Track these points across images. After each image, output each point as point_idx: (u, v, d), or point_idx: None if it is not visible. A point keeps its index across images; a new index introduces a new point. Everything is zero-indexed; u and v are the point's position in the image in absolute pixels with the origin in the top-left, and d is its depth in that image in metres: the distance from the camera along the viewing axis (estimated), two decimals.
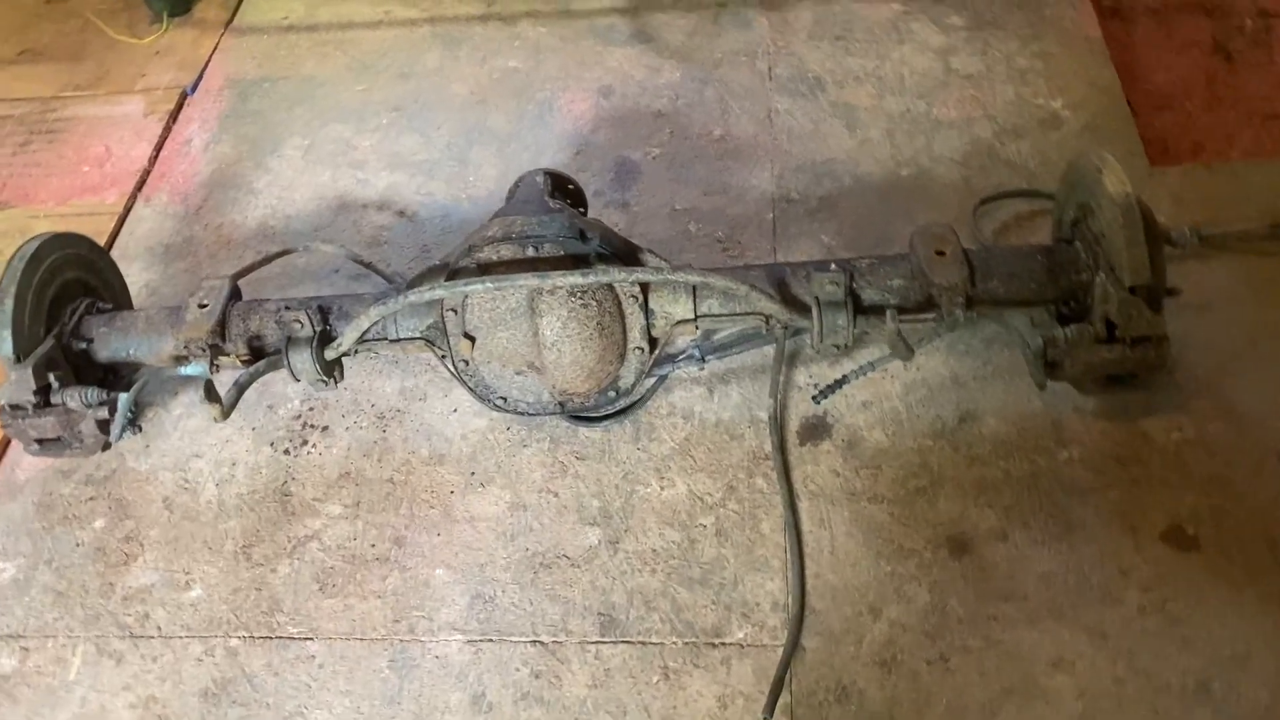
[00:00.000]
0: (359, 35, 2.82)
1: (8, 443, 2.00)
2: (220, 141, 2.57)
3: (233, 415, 1.97)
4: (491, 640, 1.66)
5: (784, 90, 2.48)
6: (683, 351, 1.93)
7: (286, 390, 2.01)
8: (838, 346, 1.75)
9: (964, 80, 2.43)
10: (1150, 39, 2.70)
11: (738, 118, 2.43)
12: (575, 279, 1.64)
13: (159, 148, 2.57)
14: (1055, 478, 1.75)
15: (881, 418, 1.86)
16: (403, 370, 2.03)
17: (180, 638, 1.71)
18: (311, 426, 1.96)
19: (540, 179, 1.97)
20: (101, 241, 2.32)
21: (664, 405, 1.92)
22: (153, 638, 1.71)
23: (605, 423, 1.90)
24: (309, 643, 1.68)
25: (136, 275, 2.26)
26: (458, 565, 1.75)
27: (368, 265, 2.07)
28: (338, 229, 2.32)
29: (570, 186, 2.06)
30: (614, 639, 1.64)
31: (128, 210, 2.43)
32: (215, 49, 2.83)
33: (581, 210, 2.04)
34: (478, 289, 1.66)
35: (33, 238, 1.83)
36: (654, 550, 1.73)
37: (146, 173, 2.51)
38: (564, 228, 1.72)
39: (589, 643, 1.64)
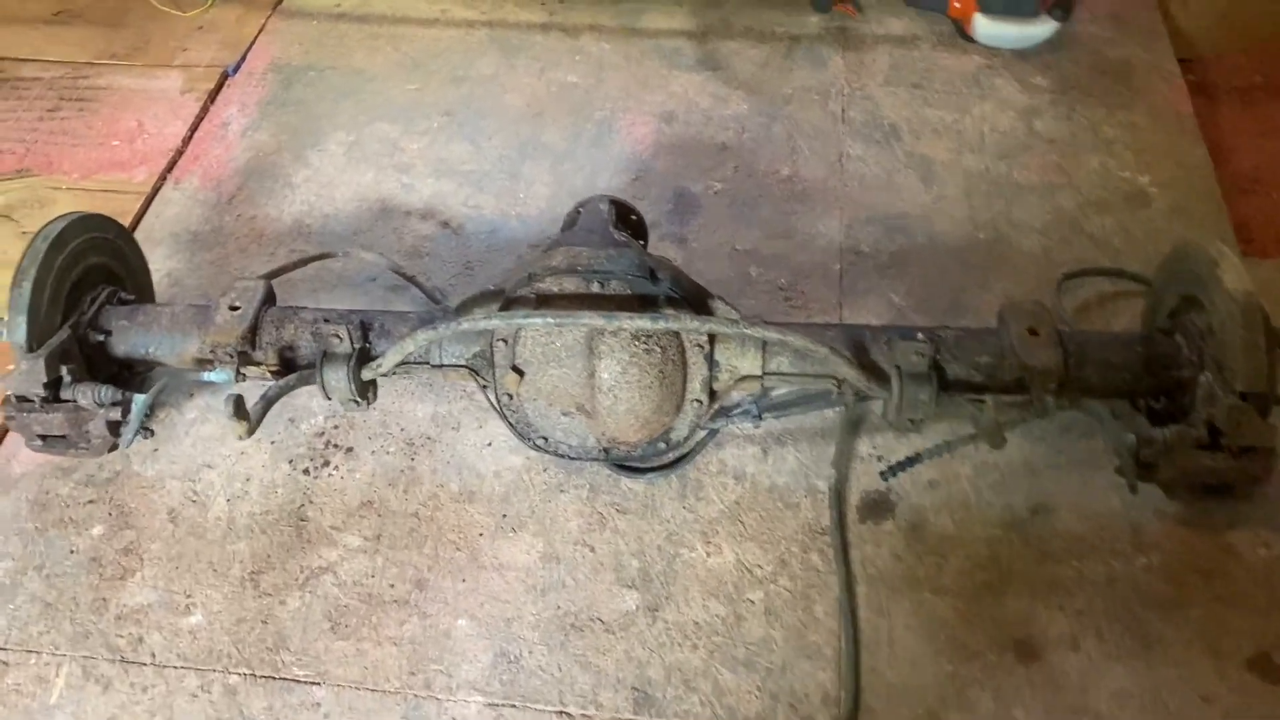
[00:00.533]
0: (413, 31, 2.70)
1: (4, 432, 1.86)
2: (259, 128, 2.44)
3: None
4: (514, 706, 1.52)
5: (857, 135, 2.36)
6: (737, 406, 1.80)
7: (310, 404, 1.87)
8: (913, 421, 1.63)
9: (1047, 144, 2.32)
10: (1235, 120, 2.60)
11: (807, 159, 2.31)
12: (644, 323, 1.52)
13: (194, 128, 2.43)
14: (1132, 585, 1.62)
15: (949, 501, 1.73)
16: (436, 394, 1.89)
17: (175, 668, 1.57)
18: (335, 446, 1.83)
19: (605, 207, 1.85)
20: (125, 222, 2.19)
21: (714, 462, 1.79)
22: (145, 665, 1.57)
23: (650, 475, 1.77)
24: (315, 688, 1.54)
25: (159, 262, 2.12)
26: (482, 617, 1.61)
27: (411, 280, 1.94)
28: (378, 235, 2.19)
29: (633, 217, 1.94)
30: (648, 718, 1.50)
31: (155, 191, 2.29)
32: (261, 30, 2.70)
33: (642, 243, 1.92)
34: (536, 323, 1.53)
35: (59, 217, 1.69)
36: (696, 623, 1.60)
37: (179, 153, 2.37)
38: (633, 265, 1.60)
39: (621, 719, 1.51)
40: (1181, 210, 2.16)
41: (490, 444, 1.83)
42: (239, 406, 1.50)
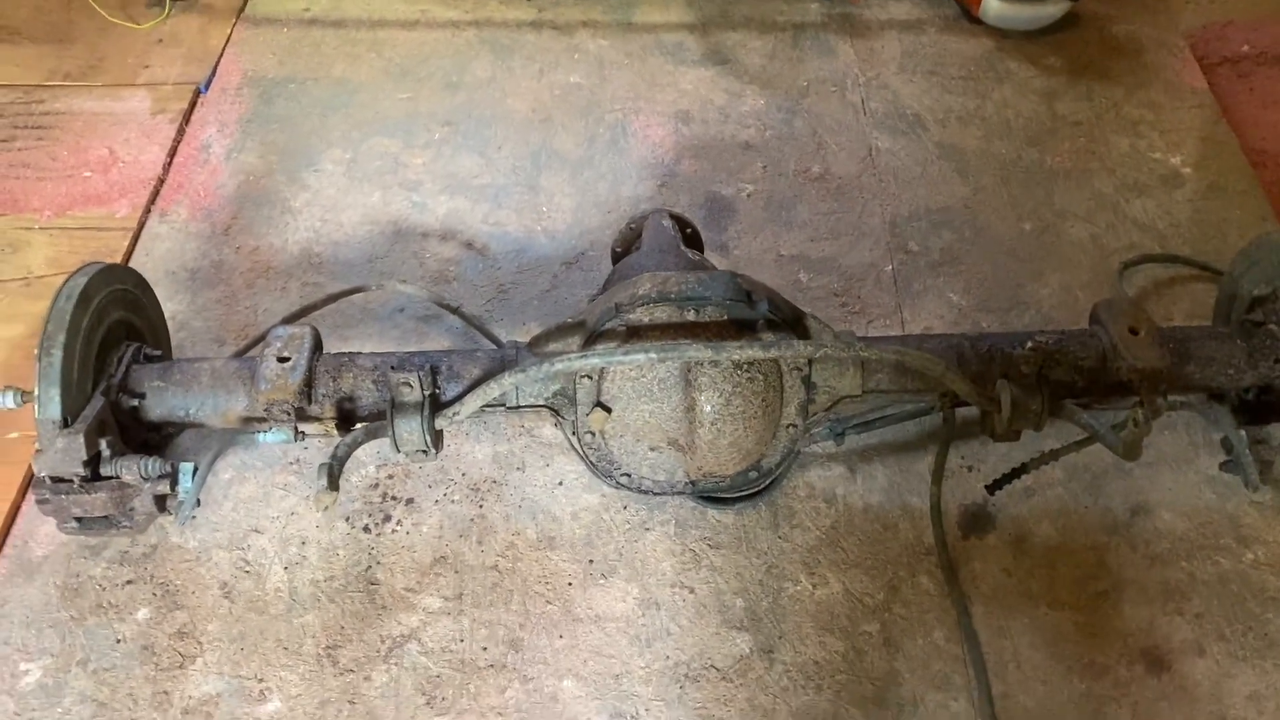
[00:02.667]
0: (394, 35, 2.53)
1: (15, 510, 1.67)
2: (244, 149, 2.25)
3: (294, 481, 1.70)
4: None
5: (882, 127, 2.29)
6: (816, 424, 1.72)
7: (358, 453, 1.71)
8: (1018, 433, 1.57)
9: (1073, 127, 2.28)
10: (1233, 92, 2.60)
11: (836, 155, 2.23)
12: (754, 351, 1.41)
13: (173, 153, 2.23)
14: (1244, 582, 1.60)
15: (1047, 508, 1.68)
16: (494, 434, 1.76)
17: None
18: (393, 499, 1.69)
19: (668, 223, 1.74)
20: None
21: (801, 486, 1.71)
22: None
23: (739, 505, 1.67)
24: None
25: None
26: (588, 676, 1.50)
27: (461, 314, 1.79)
28: (397, 261, 2.04)
29: (689, 230, 1.83)
30: None
31: (141, 226, 2.09)
32: (228, 40, 2.50)
33: (700, 254, 1.82)
34: (639, 359, 1.42)
35: (79, 271, 1.51)
36: (816, 662, 1.52)
37: (160, 182, 2.17)
38: (727, 288, 1.49)
39: None
40: (1218, 189, 2.15)
41: (561, 483, 1.71)
42: (334, 476, 1.35)
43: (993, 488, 1.63)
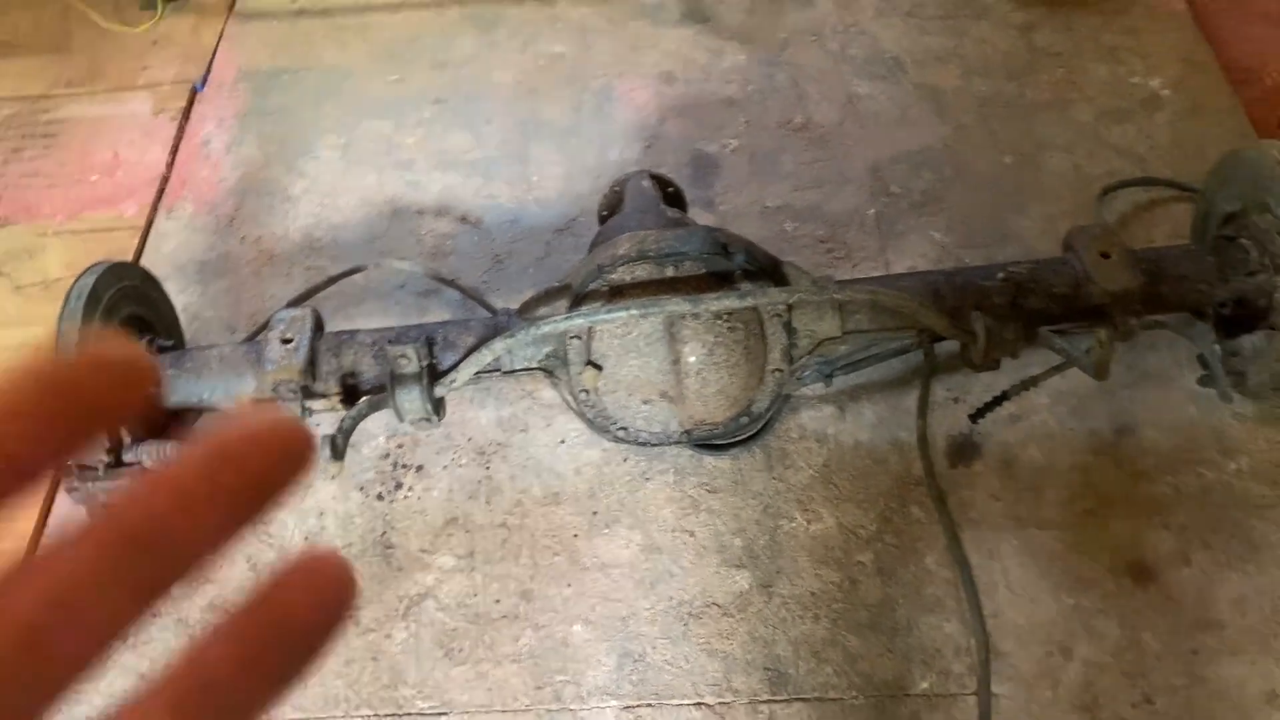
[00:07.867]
0: (380, 19, 2.58)
1: (50, 500, 1.76)
2: (243, 143, 2.32)
3: (308, 456, 1.78)
4: (650, 705, 1.50)
5: (861, 73, 2.32)
6: (804, 367, 1.78)
7: (368, 426, 1.80)
8: (997, 361, 1.62)
9: (1052, 59, 2.30)
10: (1213, 10, 2.60)
11: (817, 104, 2.27)
12: (730, 302, 1.48)
13: (174, 151, 2.31)
14: (1228, 492, 1.64)
15: (1032, 433, 1.73)
16: (496, 399, 1.84)
17: None
18: (404, 466, 1.77)
19: (648, 183, 1.79)
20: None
21: (793, 428, 1.77)
22: None
23: (734, 450, 1.74)
24: (444, 719, 1.50)
25: (172, 299, 2.01)
26: (596, 620, 1.58)
27: (456, 286, 1.85)
28: (395, 239, 2.10)
29: (670, 189, 1.89)
30: (787, 696, 1.49)
31: (149, 224, 2.17)
32: (220, 37, 2.56)
33: (681, 212, 1.87)
34: (620, 316, 1.48)
35: (87, 270, 1.59)
36: (813, 594, 1.59)
37: (165, 180, 2.25)
38: (704, 243, 1.55)
39: (760, 702, 1.49)
40: (1197, 109, 2.17)
41: (564, 441, 1.78)
42: (336, 447, 1.43)
43: (976, 416, 1.68)
